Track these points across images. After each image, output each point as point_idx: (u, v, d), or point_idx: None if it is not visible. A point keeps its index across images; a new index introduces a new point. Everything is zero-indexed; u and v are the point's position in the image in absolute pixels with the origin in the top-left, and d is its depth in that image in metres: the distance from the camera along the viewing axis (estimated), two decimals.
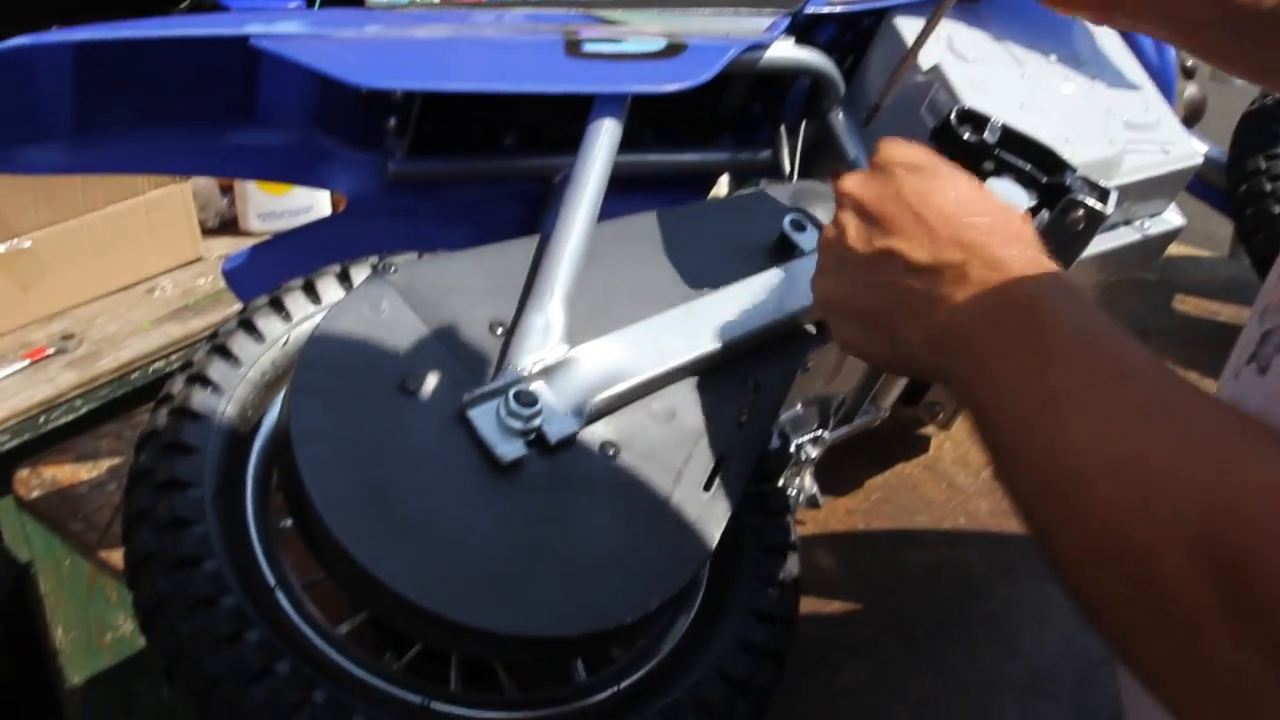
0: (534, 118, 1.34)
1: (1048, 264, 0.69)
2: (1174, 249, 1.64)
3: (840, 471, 1.44)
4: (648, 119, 1.38)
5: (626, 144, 1.13)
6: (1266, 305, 0.64)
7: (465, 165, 1.35)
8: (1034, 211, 1.12)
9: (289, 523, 0.86)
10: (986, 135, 1.12)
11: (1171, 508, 0.48)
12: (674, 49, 1.14)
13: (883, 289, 0.75)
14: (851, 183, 0.80)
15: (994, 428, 0.62)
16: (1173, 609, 0.46)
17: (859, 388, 1.31)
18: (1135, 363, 0.58)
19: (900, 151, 0.81)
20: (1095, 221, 1.12)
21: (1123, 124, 1.38)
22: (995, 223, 0.72)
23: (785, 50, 1.30)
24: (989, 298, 0.66)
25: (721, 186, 1.69)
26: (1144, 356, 0.58)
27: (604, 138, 1.09)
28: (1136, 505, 0.50)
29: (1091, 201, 1.11)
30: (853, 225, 0.78)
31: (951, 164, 0.81)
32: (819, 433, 1.29)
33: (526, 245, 0.99)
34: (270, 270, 1.22)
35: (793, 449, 1.26)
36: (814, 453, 1.29)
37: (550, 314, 0.93)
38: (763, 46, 1.26)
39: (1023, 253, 0.69)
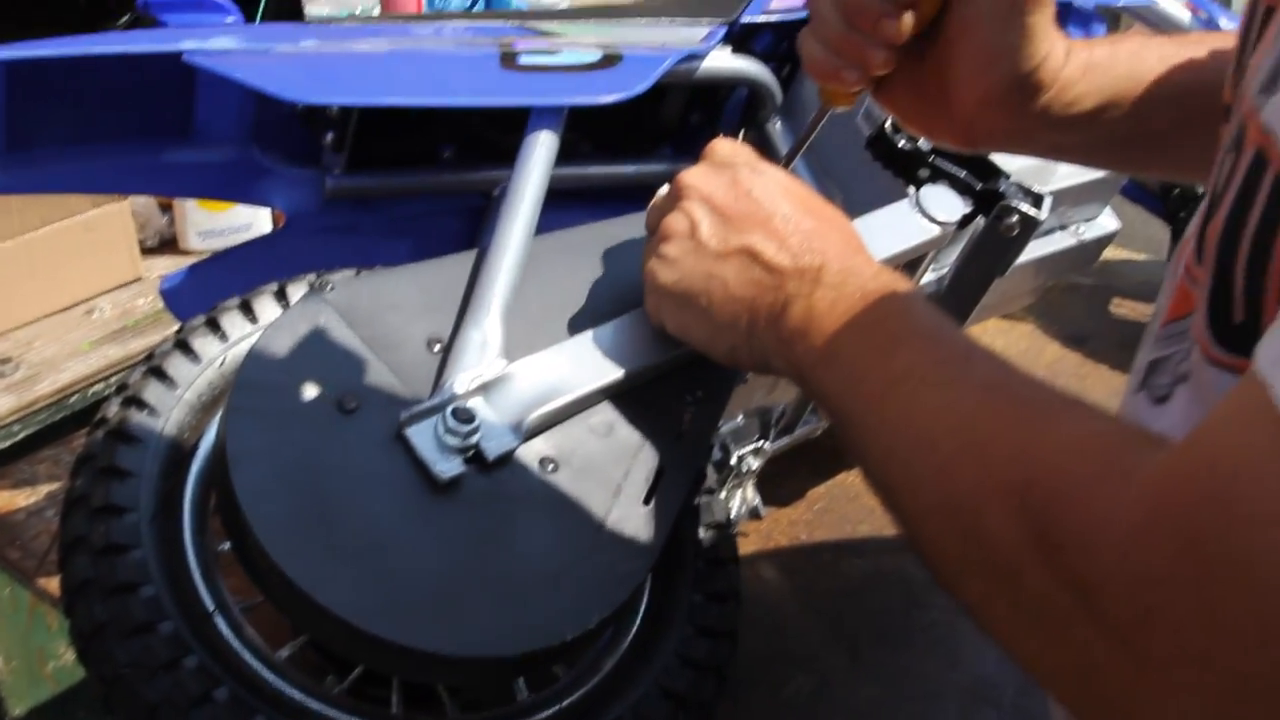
0: (472, 131, 1.34)
1: (887, 269, 0.74)
2: (1111, 252, 1.65)
3: (782, 482, 1.44)
4: (585, 131, 1.37)
5: (565, 157, 1.12)
6: (1156, 332, 0.66)
7: (403, 180, 1.34)
8: (969, 218, 1.15)
9: (228, 546, 0.85)
10: (921, 143, 1.14)
11: (998, 464, 0.53)
12: (610, 60, 1.14)
13: (737, 286, 0.78)
14: (696, 177, 0.82)
15: (847, 409, 0.67)
16: (997, 554, 0.51)
17: (799, 398, 1.31)
18: (975, 348, 0.64)
19: (739, 151, 0.84)
20: (1030, 227, 1.13)
21: None
22: (840, 228, 0.78)
23: (722, 60, 1.30)
24: (845, 296, 0.71)
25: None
26: (980, 345, 0.64)
27: (540, 151, 1.08)
28: (969, 464, 0.55)
29: (1025, 207, 1.12)
30: (706, 220, 0.80)
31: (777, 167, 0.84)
32: (760, 444, 1.29)
33: (464, 261, 0.98)
34: (209, 289, 1.22)
35: (734, 460, 1.25)
36: (755, 464, 1.28)
37: (488, 330, 0.92)
38: (699, 56, 1.25)
39: (866, 258, 0.76)
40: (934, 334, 0.66)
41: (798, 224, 0.77)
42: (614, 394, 0.92)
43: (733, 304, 0.79)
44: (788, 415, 1.32)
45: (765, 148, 1.37)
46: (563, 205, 1.17)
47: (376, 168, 1.31)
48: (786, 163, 0.96)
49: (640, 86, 1.10)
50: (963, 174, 1.15)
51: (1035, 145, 0.87)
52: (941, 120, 0.86)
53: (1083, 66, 0.82)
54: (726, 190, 0.80)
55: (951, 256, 1.27)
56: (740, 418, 1.25)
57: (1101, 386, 1.81)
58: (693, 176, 0.83)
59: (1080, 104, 0.82)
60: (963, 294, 1.25)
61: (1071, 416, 0.55)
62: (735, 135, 1.41)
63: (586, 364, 0.92)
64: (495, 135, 1.32)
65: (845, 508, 1.44)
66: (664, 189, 0.86)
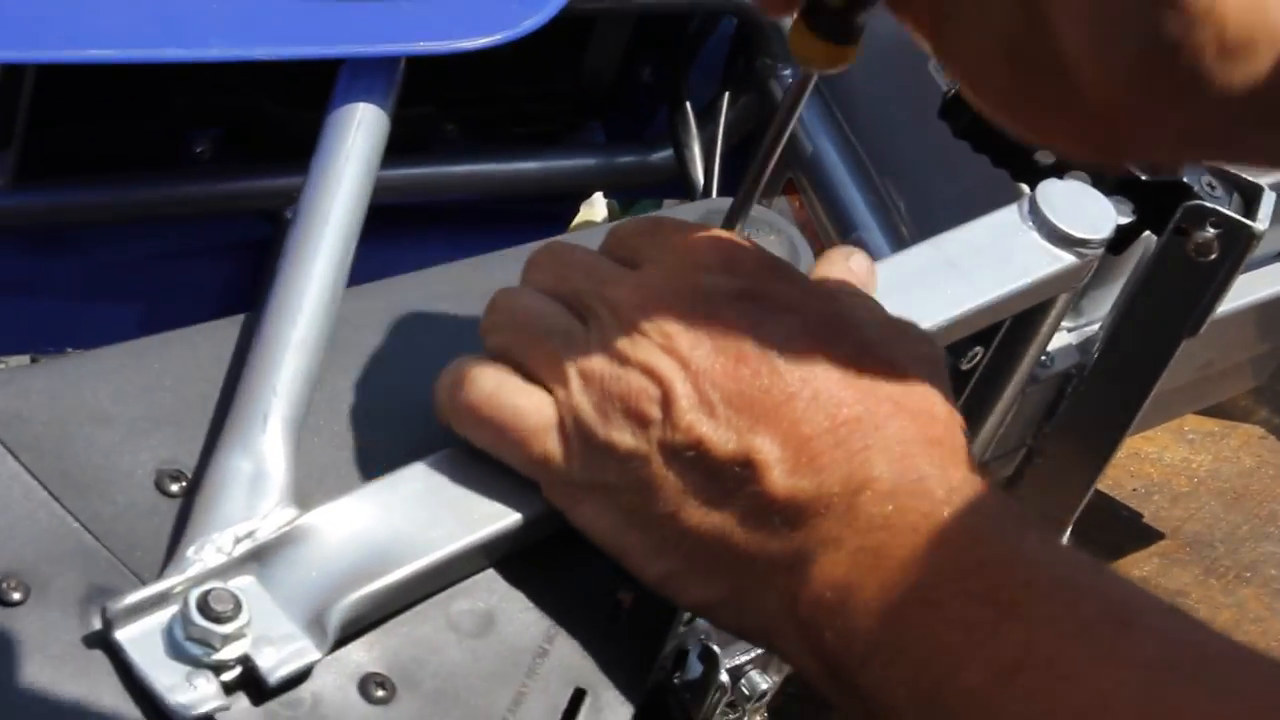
0: (242, 108, 1.32)
1: (971, 473, 0.75)
2: None
3: (814, 714, 1.42)
4: (445, 104, 1.38)
5: (410, 147, 1.23)
6: None
7: (124, 195, 1.30)
8: (1130, 233, 1.16)
9: None
10: None
11: None
12: None
13: (726, 520, 0.78)
14: (660, 295, 0.81)
15: (924, 704, 0.68)
16: None
17: None
18: (1134, 598, 0.67)
19: (704, 247, 0.84)
20: (1242, 245, 1.14)
21: None
22: (913, 400, 0.77)
23: None
24: (899, 534, 0.71)
25: (596, 209, 1.70)
26: (1142, 594, 0.67)
27: (356, 140, 1.05)
28: None
29: (1231, 211, 1.13)
30: (686, 392, 0.78)
31: (806, 279, 0.85)
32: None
33: (223, 333, 0.97)
34: None
35: (724, 676, 1.15)
36: (764, 683, 1.19)
37: (264, 453, 0.88)
38: None
39: (944, 460, 0.75)
40: (1063, 582, 0.68)
41: (837, 407, 0.76)
42: (494, 559, 0.91)
43: (716, 545, 0.78)
44: None
45: (766, 124, 1.30)
46: (408, 232, 1.25)
47: (72, 175, 1.27)
48: (749, 188, 0.95)
49: (531, 21, 1.10)
50: None
51: (1234, 150, 0.83)
52: (1052, 108, 0.79)
53: None
54: (721, 337, 0.79)
55: (1105, 302, 1.28)
56: None
57: None
58: (655, 293, 0.81)
59: None
60: (1128, 369, 1.26)
61: None
62: (716, 104, 1.42)
63: (439, 508, 0.90)
64: (283, 113, 1.30)
65: None
66: (574, 254, 0.87)
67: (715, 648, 1.10)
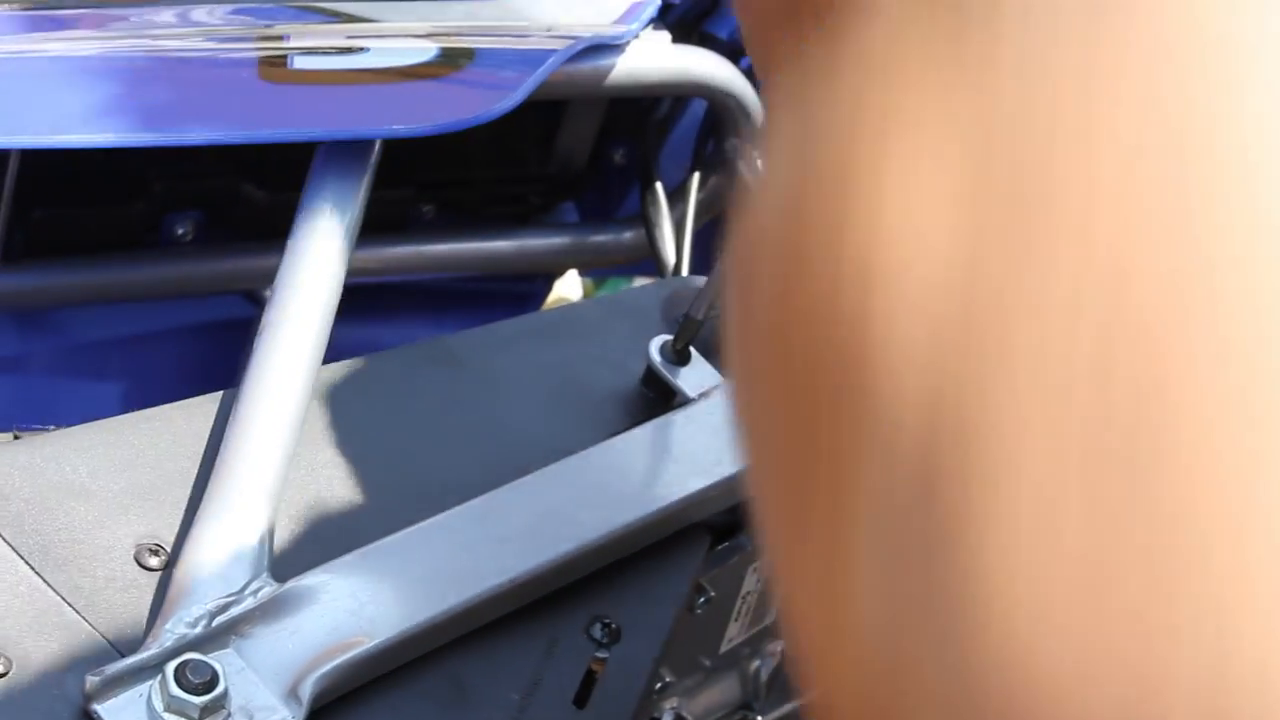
0: (222, 190, 1.30)
1: None
2: None
3: None
4: (426, 186, 1.37)
5: (390, 229, 1.21)
6: None
7: (110, 275, 1.28)
8: None
9: None
10: None
11: None
12: (452, 60, 1.15)
13: None
14: None
15: None
16: None
17: None
18: None
19: None
20: None
21: None
22: None
23: (657, 55, 1.27)
24: None
25: (572, 288, 1.71)
26: None
27: (330, 220, 1.06)
28: None
29: None
30: None
31: None
32: (744, 716, 1.23)
33: (201, 409, 0.98)
34: None
35: None
36: None
37: (242, 526, 0.89)
38: (614, 47, 1.23)
39: None
40: None
41: None
42: (466, 629, 0.92)
43: None
44: (790, 662, 1.24)
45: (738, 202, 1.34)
46: (388, 309, 1.27)
47: (55, 258, 1.26)
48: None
49: (504, 103, 1.10)
50: None
51: None
52: None
53: None
54: None
55: None
56: (710, 667, 1.21)
57: None
58: None
59: None
60: None
61: None
62: (685, 184, 1.40)
63: (418, 579, 0.91)
64: (262, 196, 1.29)
65: None
66: None
67: (688, 717, 1.15)
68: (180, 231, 1.28)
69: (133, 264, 1.28)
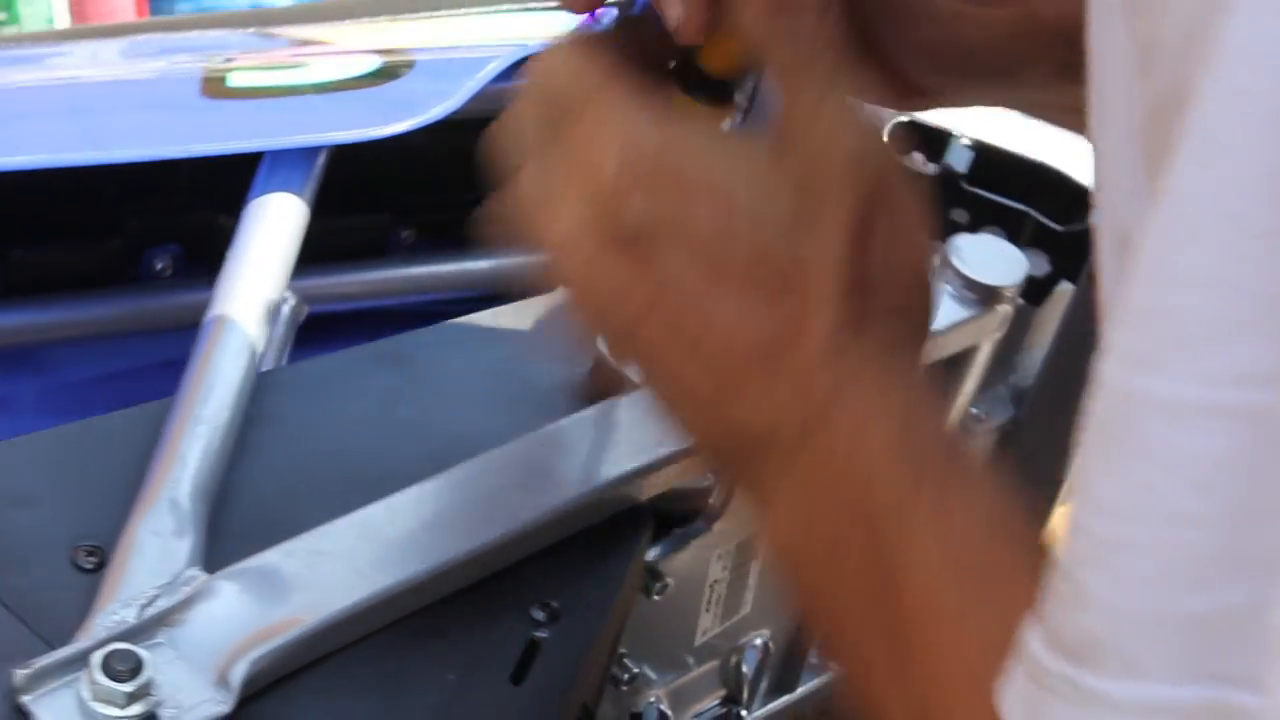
0: (198, 224, 1.32)
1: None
2: None
3: None
4: (404, 211, 1.39)
5: (369, 255, 1.24)
6: None
7: (89, 311, 1.30)
8: (1048, 283, 1.21)
9: None
10: (950, 160, 1.20)
11: None
12: (391, 71, 1.17)
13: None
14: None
15: None
16: None
17: (797, 626, 1.26)
18: None
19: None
20: None
21: None
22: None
23: None
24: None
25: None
26: None
27: (272, 228, 1.07)
28: None
29: None
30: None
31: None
32: (729, 710, 1.24)
33: (143, 416, 0.98)
34: None
35: None
36: None
37: (174, 523, 0.89)
38: None
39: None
40: None
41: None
42: (399, 612, 0.90)
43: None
44: (776, 653, 1.26)
45: None
46: (373, 335, 1.20)
47: (34, 296, 1.27)
48: None
49: (444, 106, 1.11)
50: (1031, 211, 1.21)
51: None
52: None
53: None
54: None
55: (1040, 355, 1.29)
56: (692, 664, 1.20)
57: None
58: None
59: None
60: (1059, 420, 1.21)
61: None
62: None
63: (348, 565, 0.90)
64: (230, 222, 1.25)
65: None
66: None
67: (667, 710, 1.17)
68: (159, 266, 1.30)
69: (113, 300, 1.29)
